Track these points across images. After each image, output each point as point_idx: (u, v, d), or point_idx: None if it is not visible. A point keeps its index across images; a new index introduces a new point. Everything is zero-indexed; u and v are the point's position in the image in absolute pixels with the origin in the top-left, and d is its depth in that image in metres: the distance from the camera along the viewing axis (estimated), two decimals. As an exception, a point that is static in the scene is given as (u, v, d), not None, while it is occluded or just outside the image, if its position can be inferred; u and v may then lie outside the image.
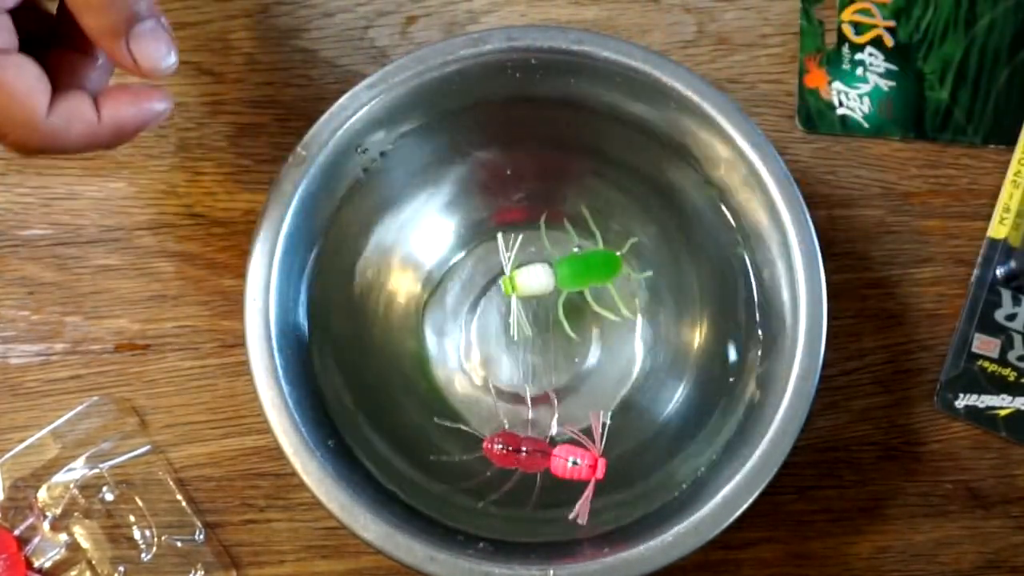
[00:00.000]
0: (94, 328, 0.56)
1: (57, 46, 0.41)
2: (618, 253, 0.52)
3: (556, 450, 0.46)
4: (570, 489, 0.53)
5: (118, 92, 0.40)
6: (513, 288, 0.50)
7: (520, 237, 0.50)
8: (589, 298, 0.52)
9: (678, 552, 0.44)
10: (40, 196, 0.56)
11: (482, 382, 0.54)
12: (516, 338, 0.52)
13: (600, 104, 0.51)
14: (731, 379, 0.52)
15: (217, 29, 0.57)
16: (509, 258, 0.50)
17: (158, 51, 0.39)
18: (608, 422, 0.45)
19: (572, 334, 0.53)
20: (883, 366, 0.56)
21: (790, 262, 0.48)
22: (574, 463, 0.45)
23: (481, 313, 0.54)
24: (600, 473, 0.45)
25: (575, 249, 0.53)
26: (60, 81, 0.39)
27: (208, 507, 0.55)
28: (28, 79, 0.37)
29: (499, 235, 0.50)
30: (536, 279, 0.50)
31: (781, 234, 0.48)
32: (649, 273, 0.53)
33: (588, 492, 0.43)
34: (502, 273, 0.51)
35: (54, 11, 0.42)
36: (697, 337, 0.54)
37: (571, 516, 0.45)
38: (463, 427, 0.51)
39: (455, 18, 0.57)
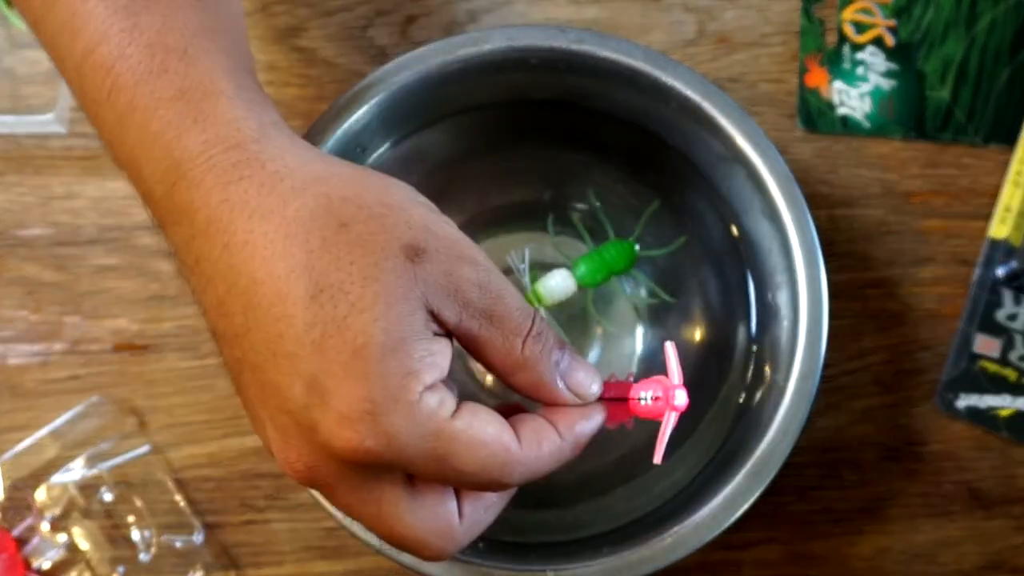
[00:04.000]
0: (93, 328, 0.55)
1: None
2: (631, 239, 0.52)
3: (632, 391, 0.41)
4: (571, 489, 0.53)
5: (565, 410, 0.39)
6: (539, 300, 0.50)
7: (528, 251, 0.50)
8: (625, 292, 0.52)
9: (678, 552, 0.44)
10: (39, 196, 0.56)
11: (486, 383, 0.54)
12: None
13: (600, 103, 0.51)
14: (731, 378, 0.52)
15: (216, 28, 0.57)
16: (524, 271, 0.50)
17: (586, 376, 0.39)
18: (673, 348, 0.40)
19: (611, 327, 0.53)
20: (884, 366, 0.56)
21: (790, 262, 0.48)
22: (646, 399, 0.40)
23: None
24: (681, 401, 0.40)
25: (583, 246, 0.53)
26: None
27: (207, 507, 0.55)
28: (490, 421, 0.37)
29: (510, 254, 0.50)
30: (559, 286, 0.50)
31: (782, 234, 0.48)
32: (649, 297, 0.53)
33: (664, 427, 0.39)
34: (504, 272, 0.50)
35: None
36: (697, 335, 0.54)
37: (655, 460, 0.40)
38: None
39: (455, 18, 0.57)
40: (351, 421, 0.34)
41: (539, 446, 0.38)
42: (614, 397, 0.40)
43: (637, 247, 0.52)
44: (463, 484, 0.37)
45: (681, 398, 0.40)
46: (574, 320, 0.53)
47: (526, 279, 0.50)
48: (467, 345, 0.37)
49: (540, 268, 0.51)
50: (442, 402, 0.35)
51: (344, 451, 0.35)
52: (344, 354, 0.34)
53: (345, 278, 0.34)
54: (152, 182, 0.38)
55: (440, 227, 0.37)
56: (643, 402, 0.40)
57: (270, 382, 0.36)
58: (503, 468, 0.37)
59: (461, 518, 0.38)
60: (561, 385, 0.39)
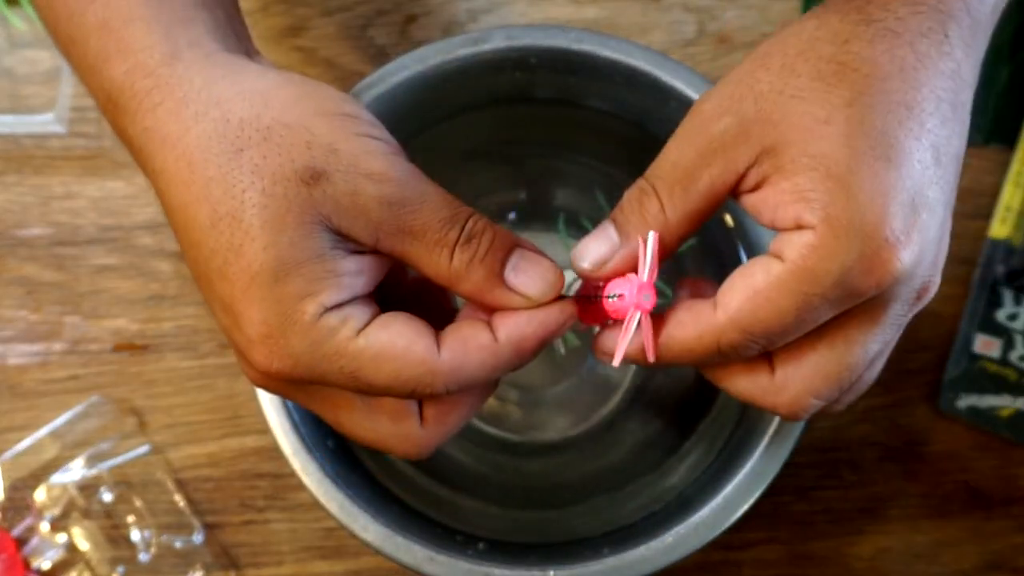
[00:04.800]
0: (93, 328, 0.55)
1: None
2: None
3: (606, 288, 0.37)
4: (570, 489, 0.53)
5: (512, 312, 0.37)
6: None
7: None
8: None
9: (678, 552, 0.44)
10: (38, 196, 0.56)
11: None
12: (563, 351, 0.51)
13: (600, 104, 0.51)
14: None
15: (216, 28, 0.57)
16: None
17: (540, 275, 0.37)
18: (653, 249, 0.36)
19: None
20: (884, 366, 0.56)
21: (791, 262, 0.48)
22: (614, 298, 0.36)
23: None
24: (646, 300, 0.36)
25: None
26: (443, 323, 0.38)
27: (207, 507, 0.55)
28: (403, 332, 0.36)
29: None
30: (571, 286, 0.50)
31: (782, 233, 0.48)
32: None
33: (626, 325, 0.36)
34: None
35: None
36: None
37: (613, 362, 0.37)
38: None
39: (454, 17, 0.57)
40: (256, 344, 0.35)
41: (465, 352, 0.36)
42: (586, 295, 0.38)
43: None
44: (386, 395, 0.37)
45: (646, 297, 0.36)
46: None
47: None
48: (402, 261, 0.37)
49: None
50: (345, 321, 0.35)
51: (265, 370, 0.36)
52: (243, 280, 0.35)
53: (238, 206, 0.35)
54: (103, 112, 0.38)
55: (347, 142, 0.36)
56: (612, 299, 0.37)
57: (208, 301, 0.37)
58: (420, 379, 0.36)
59: (423, 422, 0.38)
60: (504, 289, 0.37)
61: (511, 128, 0.53)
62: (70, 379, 0.55)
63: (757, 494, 0.45)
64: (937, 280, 0.36)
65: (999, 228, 0.56)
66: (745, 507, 0.45)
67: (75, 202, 0.56)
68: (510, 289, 0.37)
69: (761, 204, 0.35)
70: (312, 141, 0.35)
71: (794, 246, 0.34)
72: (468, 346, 0.36)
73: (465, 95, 0.50)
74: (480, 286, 0.37)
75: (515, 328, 0.37)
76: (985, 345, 0.55)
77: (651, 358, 0.37)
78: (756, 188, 0.35)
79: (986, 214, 0.56)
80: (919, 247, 0.34)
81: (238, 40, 0.39)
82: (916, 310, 0.36)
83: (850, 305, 0.34)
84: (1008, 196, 0.56)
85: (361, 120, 0.37)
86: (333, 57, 0.57)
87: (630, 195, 0.37)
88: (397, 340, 0.36)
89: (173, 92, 0.36)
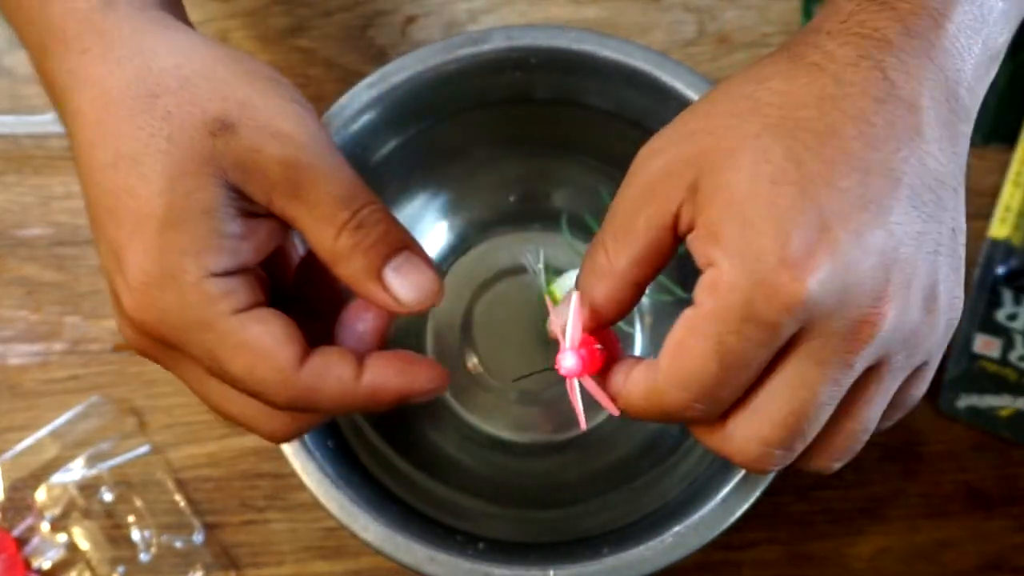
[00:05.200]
0: (93, 328, 0.55)
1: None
2: None
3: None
4: (570, 489, 0.53)
5: (388, 357, 0.37)
6: (555, 301, 0.50)
7: (542, 251, 0.50)
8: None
9: (678, 552, 0.44)
10: (38, 195, 0.56)
11: (482, 380, 0.54)
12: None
13: (600, 103, 0.51)
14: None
15: (217, 28, 0.57)
16: (540, 271, 0.50)
17: (417, 282, 0.37)
18: (576, 305, 0.35)
19: (629, 328, 0.53)
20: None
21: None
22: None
23: (481, 311, 0.54)
24: (565, 364, 0.35)
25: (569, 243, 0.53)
26: (323, 341, 0.38)
27: (207, 507, 0.55)
28: (275, 333, 0.35)
29: (525, 254, 0.50)
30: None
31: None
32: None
33: (568, 388, 0.36)
34: (503, 272, 0.51)
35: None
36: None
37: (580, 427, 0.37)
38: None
39: (455, 17, 0.57)
40: (132, 291, 0.35)
41: (322, 379, 0.36)
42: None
43: None
44: (235, 386, 0.36)
45: (565, 361, 0.35)
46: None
47: (541, 279, 0.50)
48: (292, 227, 0.36)
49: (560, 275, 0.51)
50: (228, 294, 0.35)
51: (132, 318, 0.35)
52: (131, 223, 0.34)
53: (141, 149, 0.35)
54: (34, 62, 0.39)
55: (263, 100, 0.36)
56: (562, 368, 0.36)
57: (97, 242, 0.36)
58: (269, 385, 0.35)
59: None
60: (379, 286, 0.36)
61: (511, 128, 0.53)
62: (70, 379, 0.55)
63: (757, 494, 0.45)
64: (887, 314, 0.32)
65: (999, 228, 0.56)
66: (745, 507, 0.45)
67: (75, 202, 0.56)
68: (384, 288, 0.36)
69: (691, 244, 0.34)
70: (228, 95, 0.35)
71: (702, 286, 0.33)
72: (328, 374, 0.36)
73: (465, 95, 0.50)
74: (357, 275, 0.36)
75: (380, 376, 0.36)
76: (985, 345, 0.55)
77: (614, 413, 0.36)
78: (691, 228, 0.34)
79: (986, 214, 0.56)
80: (830, 269, 0.31)
81: (175, 7, 0.40)
82: (870, 351, 0.33)
83: (776, 341, 0.32)
84: (1008, 196, 0.56)
85: (283, 85, 0.38)
86: (333, 57, 0.57)
87: (585, 253, 0.37)
88: (266, 339, 0.35)
89: (102, 38, 0.36)
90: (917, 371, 0.35)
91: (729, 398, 0.34)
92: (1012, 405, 0.55)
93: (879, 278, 0.32)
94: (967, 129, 0.35)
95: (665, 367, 0.34)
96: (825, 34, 0.34)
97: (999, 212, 0.56)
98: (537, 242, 0.53)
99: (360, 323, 0.39)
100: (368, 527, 0.44)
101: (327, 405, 0.36)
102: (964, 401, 0.55)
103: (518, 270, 0.54)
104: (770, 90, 0.34)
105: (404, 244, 0.37)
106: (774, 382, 0.33)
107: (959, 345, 0.55)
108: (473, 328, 0.54)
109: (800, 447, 0.34)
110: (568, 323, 0.35)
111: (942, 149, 0.34)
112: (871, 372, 0.34)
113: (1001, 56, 0.37)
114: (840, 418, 0.34)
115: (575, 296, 0.35)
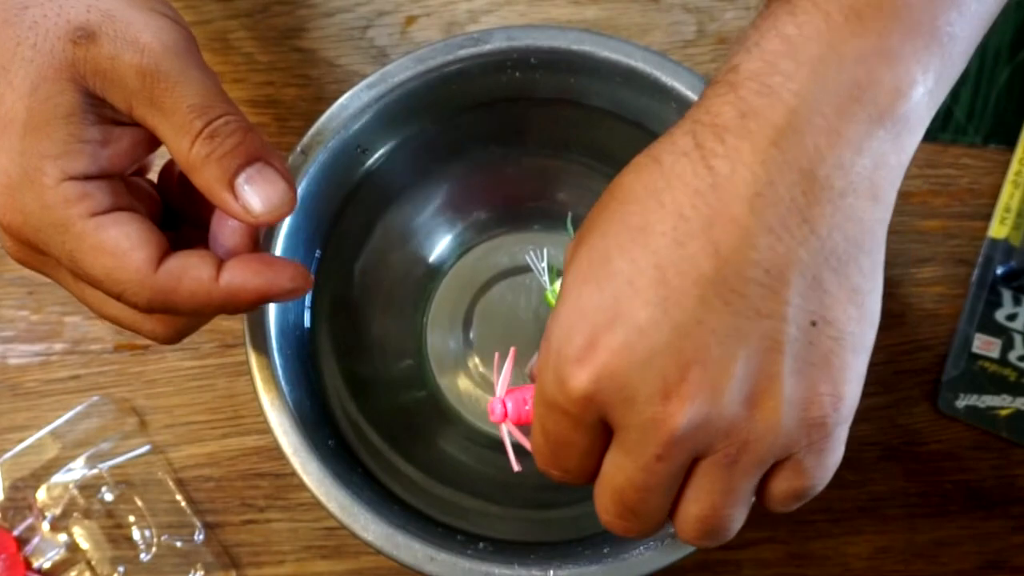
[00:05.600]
0: (94, 328, 0.55)
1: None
2: None
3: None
4: (571, 489, 0.53)
5: (247, 259, 0.39)
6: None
7: (547, 250, 0.50)
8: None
9: (678, 552, 0.44)
10: (40, 196, 0.56)
11: (481, 379, 0.54)
12: None
13: (600, 103, 0.51)
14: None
15: (217, 29, 0.57)
16: (544, 270, 0.50)
17: (267, 194, 0.38)
18: (508, 365, 0.39)
19: None
20: (883, 366, 0.56)
21: (790, 262, 0.48)
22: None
23: (482, 311, 0.54)
24: (493, 416, 0.39)
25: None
26: (189, 246, 0.39)
27: (208, 507, 0.55)
28: (131, 235, 0.37)
29: (529, 253, 0.50)
30: None
31: (781, 234, 0.48)
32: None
33: (501, 434, 0.40)
34: (503, 273, 0.51)
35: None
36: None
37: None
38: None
39: (455, 18, 0.57)
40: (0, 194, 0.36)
41: (179, 280, 0.37)
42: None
43: None
44: (99, 288, 0.37)
45: (492, 408, 0.39)
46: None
47: (545, 278, 0.50)
48: (152, 134, 0.38)
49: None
50: (85, 197, 0.36)
51: (1, 224, 0.37)
52: None
53: (10, 57, 0.36)
54: None
55: (128, 11, 0.37)
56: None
57: None
58: (127, 286, 0.37)
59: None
60: (231, 195, 0.37)
61: (511, 128, 0.54)
62: (71, 379, 0.55)
63: (757, 494, 0.45)
64: (681, 411, 0.32)
65: (998, 228, 0.56)
66: (745, 507, 0.45)
67: (76, 202, 0.56)
68: (236, 197, 0.37)
69: None
70: (93, 5, 0.37)
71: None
72: (185, 275, 0.37)
73: (465, 95, 0.51)
74: (210, 184, 0.37)
75: (238, 276, 0.38)
76: (984, 345, 0.55)
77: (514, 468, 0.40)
78: None
79: (985, 214, 0.56)
80: (608, 365, 0.32)
81: None
82: (680, 444, 0.33)
83: (583, 427, 0.34)
84: (1007, 196, 0.56)
85: (163, 9, 0.38)
86: (334, 58, 0.57)
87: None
88: (122, 240, 0.36)
89: None
90: (783, 464, 0.35)
91: (576, 468, 0.36)
92: (1011, 405, 0.55)
93: (670, 376, 0.32)
94: (843, 205, 0.32)
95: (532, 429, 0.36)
96: (680, 122, 0.34)
97: (998, 212, 0.56)
98: (537, 242, 0.53)
99: (226, 230, 0.40)
100: (368, 527, 0.44)
101: (186, 306, 0.37)
102: (963, 401, 0.55)
103: (518, 271, 0.54)
104: (619, 184, 0.35)
105: (259, 155, 0.38)
106: (605, 459, 0.35)
107: (958, 345, 0.55)
108: (473, 328, 0.54)
109: (639, 521, 0.35)
110: (501, 374, 0.39)
111: (780, 238, 0.32)
112: (698, 463, 0.34)
113: (943, 93, 0.35)
114: (683, 502, 0.35)
115: (511, 351, 0.39)
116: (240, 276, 0.38)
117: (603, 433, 0.34)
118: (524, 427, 0.39)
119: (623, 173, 0.35)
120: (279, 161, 0.39)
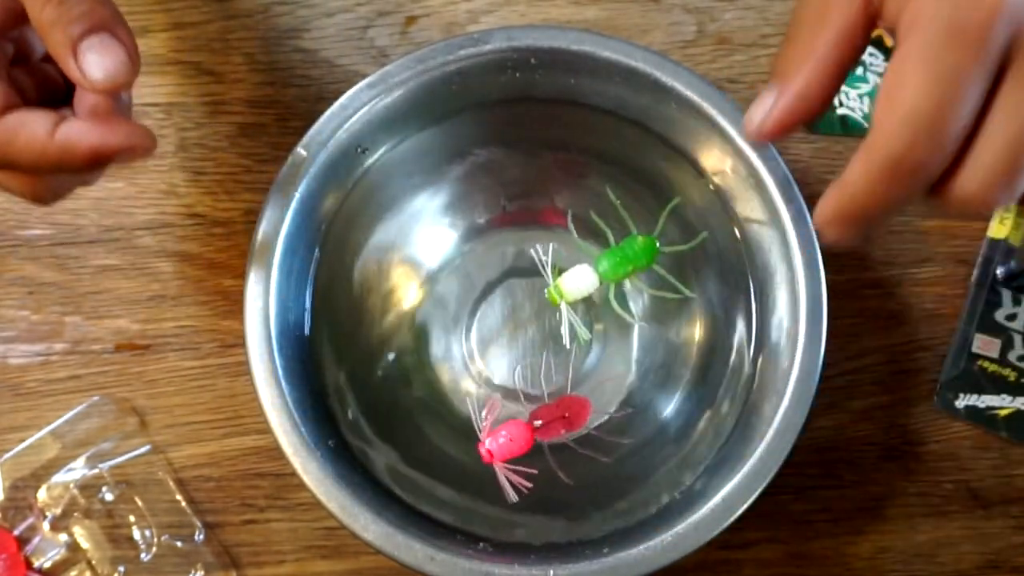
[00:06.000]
0: (94, 328, 0.55)
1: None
2: (653, 235, 0.52)
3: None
4: (571, 489, 0.53)
5: (88, 117, 0.40)
6: (561, 296, 0.50)
7: (552, 247, 0.50)
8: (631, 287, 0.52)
9: (678, 552, 0.44)
10: (40, 196, 0.56)
11: (482, 381, 0.54)
12: (570, 346, 0.51)
13: (600, 103, 0.51)
14: (730, 379, 0.52)
15: (217, 29, 0.57)
16: (548, 266, 0.50)
17: (105, 64, 0.38)
18: (482, 412, 0.45)
19: (634, 320, 0.54)
20: (883, 366, 0.56)
21: (790, 262, 0.48)
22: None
23: (482, 312, 0.54)
24: (486, 457, 0.45)
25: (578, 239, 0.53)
26: (36, 103, 0.40)
27: (208, 507, 0.55)
28: None
29: (535, 248, 0.50)
30: (582, 281, 0.50)
31: (781, 234, 0.48)
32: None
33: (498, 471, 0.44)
34: (504, 273, 0.51)
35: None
36: (696, 336, 0.54)
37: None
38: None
39: (455, 18, 0.57)
40: None
41: (14, 134, 0.38)
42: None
43: (659, 243, 0.52)
44: None
45: (486, 454, 0.45)
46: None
47: (548, 273, 0.50)
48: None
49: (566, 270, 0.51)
50: None
51: None
52: None
53: None
54: None
55: None
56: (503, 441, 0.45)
57: None
58: None
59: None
60: (73, 61, 0.38)
61: (511, 128, 0.54)
62: (71, 379, 0.55)
63: (756, 494, 0.45)
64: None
65: (998, 228, 0.56)
66: (744, 507, 0.45)
67: (76, 202, 0.56)
68: (78, 64, 0.38)
69: (886, 6, 0.35)
70: None
71: (903, 29, 0.34)
72: (21, 131, 0.38)
73: (465, 95, 0.51)
74: (57, 49, 0.38)
75: (73, 132, 0.39)
76: (984, 345, 0.55)
77: (513, 498, 0.44)
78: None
79: (985, 215, 0.56)
80: None
81: None
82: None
83: (988, 57, 0.32)
84: (1007, 196, 0.56)
85: None
86: (334, 58, 0.57)
87: (774, 58, 0.37)
88: None
89: None
90: None
91: (951, 133, 0.33)
92: (1011, 405, 0.55)
93: None
94: None
95: (881, 114, 0.33)
96: None
97: (998, 212, 0.56)
98: (537, 242, 0.53)
99: (85, 96, 0.41)
100: (368, 527, 0.44)
101: (23, 159, 0.39)
102: (963, 401, 0.55)
103: (519, 271, 0.54)
104: None
105: (104, 25, 0.39)
106: (991, 116, 0.33)
107: (958, 345, 0.55)
108: (474, 329, 0.54)
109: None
110: (480, 416, 0.44)
111: None
112: None
113: None
114: None
115: (497, 397, 0.42)
116: (76, 131, 0.39)
117: (994, 77, 0.32)
118: (515, 459, 0.45)
119: None
120: (125, 33, 0.39)
